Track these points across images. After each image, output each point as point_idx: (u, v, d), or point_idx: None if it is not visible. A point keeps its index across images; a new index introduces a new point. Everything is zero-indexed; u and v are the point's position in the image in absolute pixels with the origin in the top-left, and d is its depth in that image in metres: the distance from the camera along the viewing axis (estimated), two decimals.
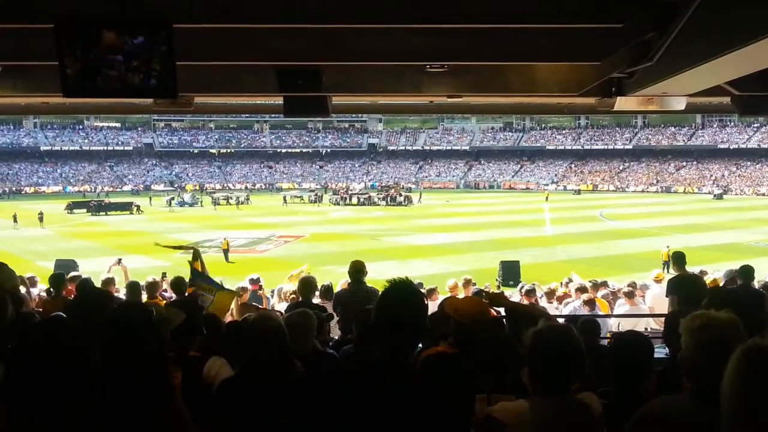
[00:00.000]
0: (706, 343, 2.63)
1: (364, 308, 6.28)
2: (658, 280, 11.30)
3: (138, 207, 61.13)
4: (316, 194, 73.56)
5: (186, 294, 9.07)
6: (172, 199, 67.66)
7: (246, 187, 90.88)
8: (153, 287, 9.78)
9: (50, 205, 58.65)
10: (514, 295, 12.94)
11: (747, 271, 8.96)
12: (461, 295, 11.49)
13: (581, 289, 10.79)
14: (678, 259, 10.04)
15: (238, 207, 64.61)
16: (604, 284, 12.68)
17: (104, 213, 58.57)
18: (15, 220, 47.57)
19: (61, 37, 5.11)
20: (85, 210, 59.81)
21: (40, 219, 47.75)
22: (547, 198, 70.06)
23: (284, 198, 71.33)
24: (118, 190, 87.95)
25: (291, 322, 4.41)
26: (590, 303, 10.35)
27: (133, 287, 9.59)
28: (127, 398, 2.52)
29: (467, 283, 12.32)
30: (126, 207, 61.43)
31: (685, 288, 9.71)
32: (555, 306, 11.67)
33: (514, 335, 3.91)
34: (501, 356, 3.64)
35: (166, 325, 3.28)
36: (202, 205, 67.20)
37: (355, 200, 69.39)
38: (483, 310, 4.53)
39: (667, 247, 28.55)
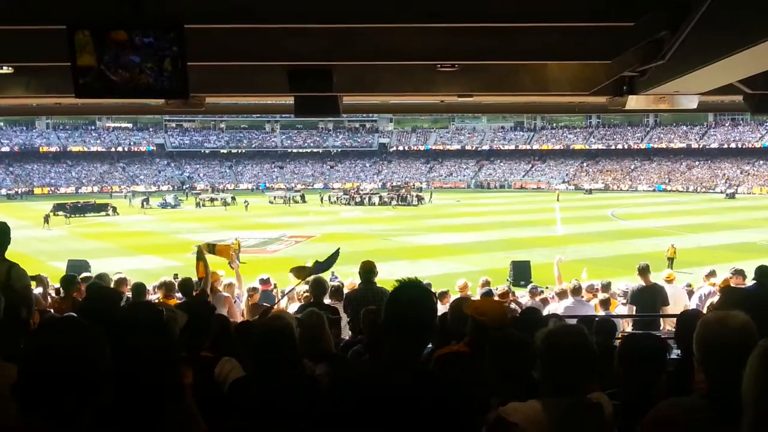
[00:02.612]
0: (718, 343, 2.61)
1: (370, 308, 6.29)
2: (669, 281, 11.25)
3: (114, 208, 60.27)
4: (301, 195, 73.53)
5: (194, 294, 9.11)
6: (146, 200, 66.66)
7: (257, 187, 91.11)
8: (169, 287, 9.82)
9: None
10: (524, 295, 12.94)
11: (762, 272, 9.02)
12: (473, 294, 11.49)
13: (575, 291, 10.75)
14: (642, 270, 10.36)
15: (229, 209, 63.99)
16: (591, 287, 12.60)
17: (81, 215, 57.17)
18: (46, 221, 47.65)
19: (74, 37, 5.13)
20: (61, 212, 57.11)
21: (46, 220, 47.85)
22: (558, 197, 69.86)
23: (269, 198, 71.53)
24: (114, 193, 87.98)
25: (304, 323, 4.42)
26: (605, 303, 10.34)
27: (138, 288, 9.61)
28: (138, 397, 2.52)
29: (485, 284, 12.33)
30: (102, 208, 60.66)
31: (644, 299, 10.06)
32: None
33: (528, 335, 3.90)
34: (513, 356, 3.63)
35: (175, 325, 3.29)
36: (203, 206, 66.91)
37: (358, 200, 69.11)
38: (502, 311, 4.53)
39: (672, 245, 28.49)
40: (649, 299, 10.20)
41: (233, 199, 69.01)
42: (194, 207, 66.76)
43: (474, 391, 3.44)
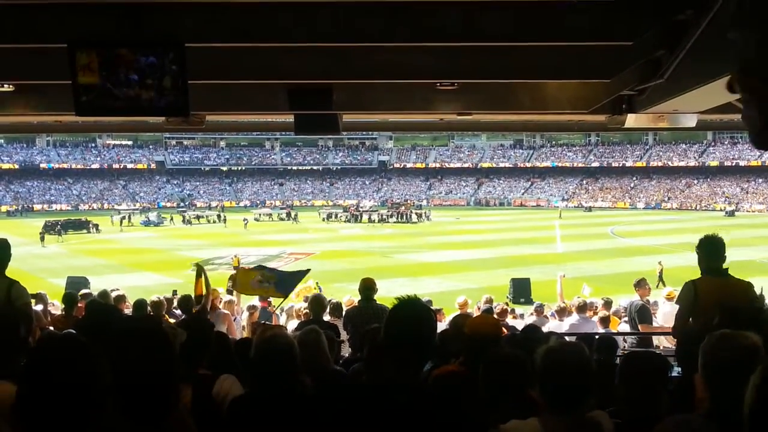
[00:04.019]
0: (722, 361, 2.61)
1: (371, 327, 6.27)
2: (669, 298, 11.24)
3: (96, 226, 59.22)
4: (287, 212, 72.84)
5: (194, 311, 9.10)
6: (124, 218, 65.10)
7: (256, 205, 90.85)
8: (158, 306, 9.79)
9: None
10: (531, 312, 12.93)
11: None
12: (472, 311, 11.46)
13: (580, 308, 10.78)
14: (638, 283, 10.94)
15: (232, 226, 63.29)
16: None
17: (64, 232, 54.65)
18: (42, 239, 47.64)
19: (75, 56, 5.16)
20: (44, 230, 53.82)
21: (42, 238, 47.88)
22: (560, 215, 69.87)
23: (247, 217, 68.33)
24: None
25: (302, 340, 4.40)
26: (605, 320, 10.35)
27: (139, 305, 9.62)
28: (138, 413, 2.51)
29: (488, 301, 12.33)
30: (83, 226, 59.47)
31: (635, 313, 10.34)
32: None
33: (526, 353, 3.89)
34: (505, 373, 3.62)
35: (174, 340, 3.28)
36: (189, 223, 66.25)
37: (357, 217, 68.94)
38: (497, 328, 4.52)
39: (659, 263, 28.54)
40: (642, 315, 10.39)
41: (219, 216, 68.40)
42: (173, 224, 66.06)
43: (472, 410, 3.43)
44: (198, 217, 69.45)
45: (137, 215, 70.18)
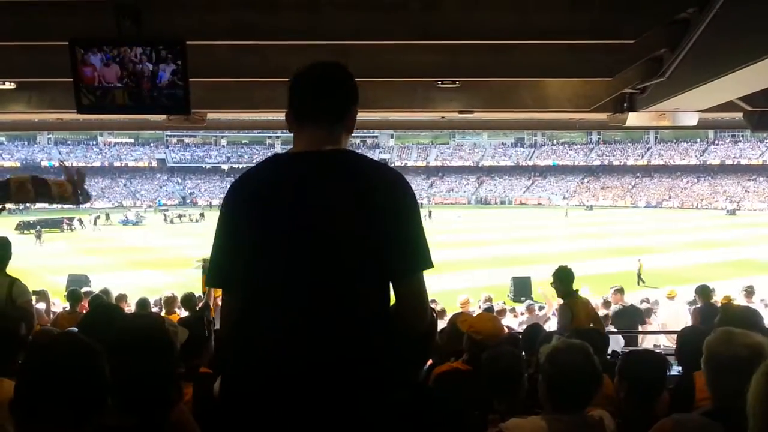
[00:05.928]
0: (725, 360, 2.61)
1: None
2: (670, 297, 11.26)
3: (69, 225, 57.94)
4: None
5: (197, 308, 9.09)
6: (98, 218, 62.46)
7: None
8: (171, 302, 9.80)
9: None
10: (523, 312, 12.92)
11: (705, 291, 9.72)
12: (473, 309, 11.46)
13: None
14: (617, 291, 11.28)
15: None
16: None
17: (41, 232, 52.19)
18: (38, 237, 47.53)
19: (76, 54, 5.16)
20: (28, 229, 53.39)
21: (38, 236, 47.75)
22: (566, 214, 69.80)
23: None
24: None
25: None
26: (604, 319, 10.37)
27: (142, 304, 9.62)
28: (138, 411, 2.51)
29: (488, 300, 12.33)
30: (57, 224, 57.88)
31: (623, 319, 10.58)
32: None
33: (529, 351, 3.89)
34: (506, 373, 3.62)
35: (176, 339, 3.28)
36: (172, 222, 65.51)
37: None
38: (497, 327, 4.51)
39: (639, 260, 28.68)
40: (628, 319, 10.62)
41: (202, 215, 67.61)
42: (143, 219, 66.00)
43: (473, 408, 3.43)
44: (180, 216, 68.72)
45: (116, 213, 69.20)
